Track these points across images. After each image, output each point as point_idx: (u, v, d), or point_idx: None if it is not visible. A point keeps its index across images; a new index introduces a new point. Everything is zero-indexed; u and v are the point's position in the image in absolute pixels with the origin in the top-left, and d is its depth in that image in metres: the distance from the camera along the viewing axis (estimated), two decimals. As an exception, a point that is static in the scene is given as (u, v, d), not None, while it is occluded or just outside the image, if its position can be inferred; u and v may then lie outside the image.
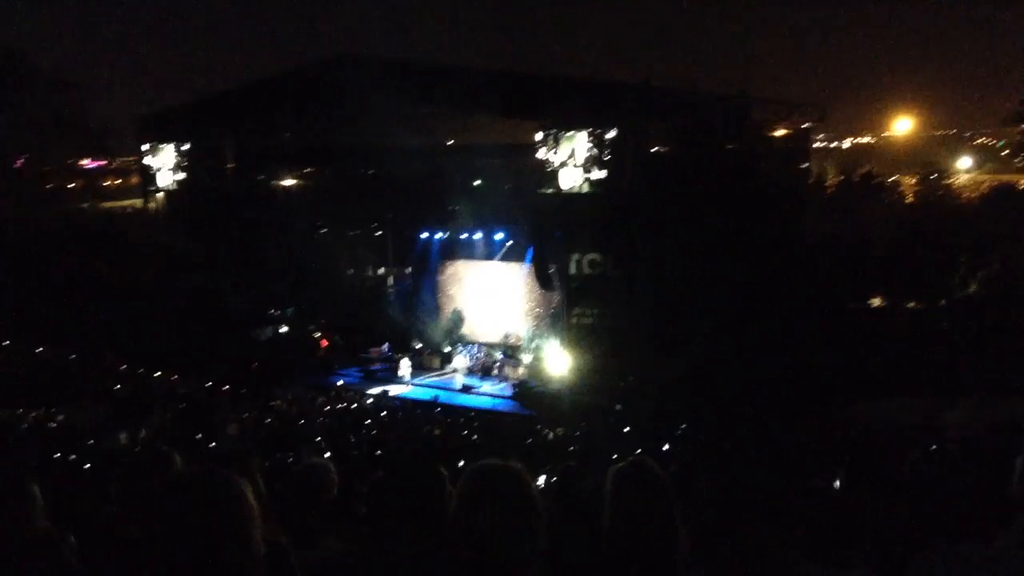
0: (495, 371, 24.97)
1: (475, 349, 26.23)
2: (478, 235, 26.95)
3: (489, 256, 27.43)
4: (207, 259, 27.19)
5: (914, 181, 41.99)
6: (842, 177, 42.77)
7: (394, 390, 23.85)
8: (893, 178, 43.73)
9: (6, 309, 26.51)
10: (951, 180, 41.26)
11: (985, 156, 58.55)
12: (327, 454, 11.80)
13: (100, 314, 27.05)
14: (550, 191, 22.36)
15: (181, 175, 28.99)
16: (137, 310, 27.06)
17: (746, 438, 14.40)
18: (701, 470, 5.03)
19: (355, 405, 20.58)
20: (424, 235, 28.32)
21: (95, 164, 52.57)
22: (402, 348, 26.67)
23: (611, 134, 21.38)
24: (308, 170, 29.91)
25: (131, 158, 39.34)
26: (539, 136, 22.36)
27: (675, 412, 17.45)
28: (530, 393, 22.46)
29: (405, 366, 25.12)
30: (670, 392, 18.42)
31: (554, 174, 22.19)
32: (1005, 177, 43.03)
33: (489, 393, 23.47)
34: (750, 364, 19.20)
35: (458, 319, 27.97)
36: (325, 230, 29.18)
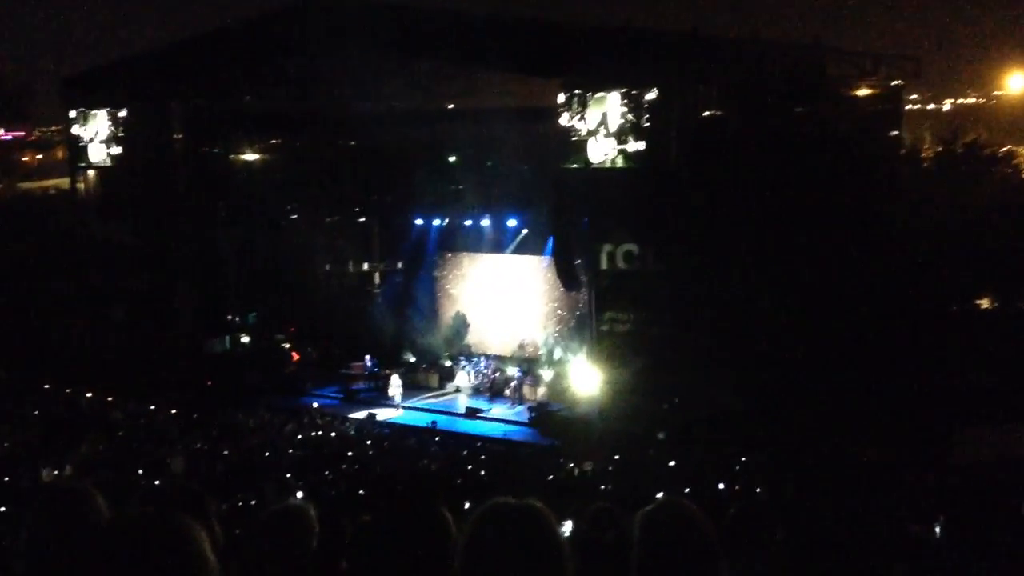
0: (507, 391, 24.91)
1: (482, 363, 26.21)
2: (486, 221, 26.95)
3: (500, 248, 27.45)
4: (150, 253, 27.25)
5: (1033, 152, 41.64)
6: (941, 147, 42.48)
7: (382, 414, 23.81)
8: (1006, 148, 43.41)
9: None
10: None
11: None
12: (299, 494, 11.82)
13: (19, 321, 27.22)
14: (575, 166, 22.29)
15: (117, 149, 29.05)
16: (65, 316, 27.20)
17: (826, 476, 14.39)
18: (767, 516, 4.99)
19: (333, 433, 20.65)
20: (419, 222, 28.34)
21: (10, 135, 53.01)
22: (391, 362, 26.68)
23: (651, 95, 21.32)
24: (274, 141, 30.01)
25: (55, 128, 39.53)
26: (562, 98, 22.30)
27: (733, 442, 17.47)
28: (551, 418, 22.40)
29: (395, 385, 25.12)
30: (726, 417, 18.30)
31: (580, 145, 22.12)
32: None
33: (500, 418, 23.48)
34: (828, 382, 19.11)
35: (461, 326, 27.97)
36: (296, 216, 29.23)
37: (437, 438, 21.05)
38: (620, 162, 21.82)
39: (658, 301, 21.62)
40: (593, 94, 21.89)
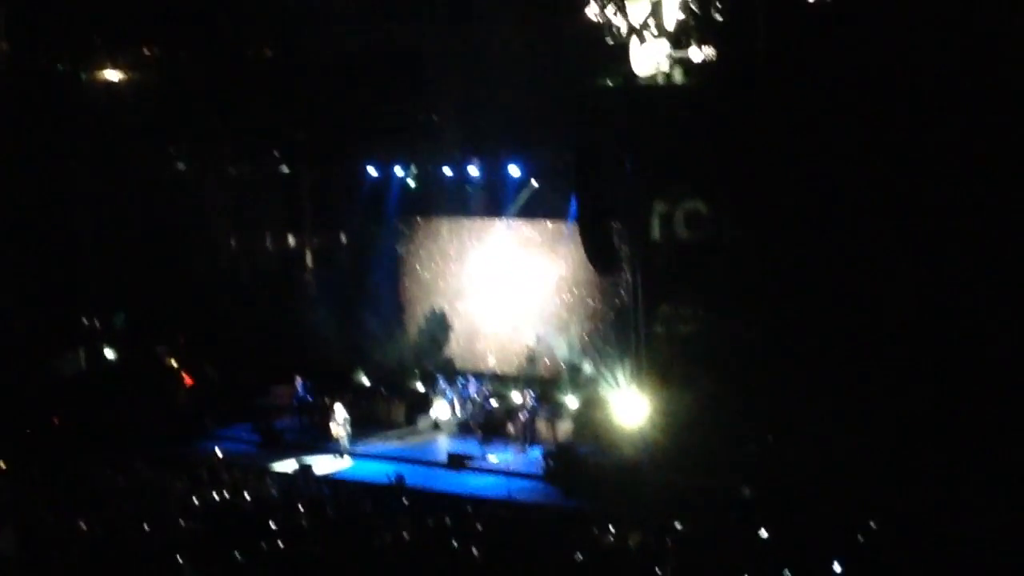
0: (511, 427, 25.06)
1: (472, 386, 26.26)
2: (475, 170, 26.83)
3: (496, 210, 27.44)
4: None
5: None
6: None
7: (320, 466, 23.91)
8: None
9: None
10: None
11: None
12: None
13: None
14: (611, 84, 22.39)
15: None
16: None
17: (998, 548, 14.47)
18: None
19: (247, 495, 20.65)
20: (372, 172, 28.25)
21: None
22: (333, 387, 26.78)
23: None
24: (148, 51, 29.92)
25: None
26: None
27: (856, 503, 17.47)
28: (578, 468, 22.52)
29: (339, 420, 25.19)
30: (847, 465, 18.40)
31: (619, 51, 22.18)
32: None
33: (501, 469, 23.52)
34: (997, 412, 19.11)
35: (439, 330, 28.10)
36: (182, 165, 29.22)
37: (405, 500, 20.96)
38: (679, 77, 21.94)
39: (741, 289, 21.65)
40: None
